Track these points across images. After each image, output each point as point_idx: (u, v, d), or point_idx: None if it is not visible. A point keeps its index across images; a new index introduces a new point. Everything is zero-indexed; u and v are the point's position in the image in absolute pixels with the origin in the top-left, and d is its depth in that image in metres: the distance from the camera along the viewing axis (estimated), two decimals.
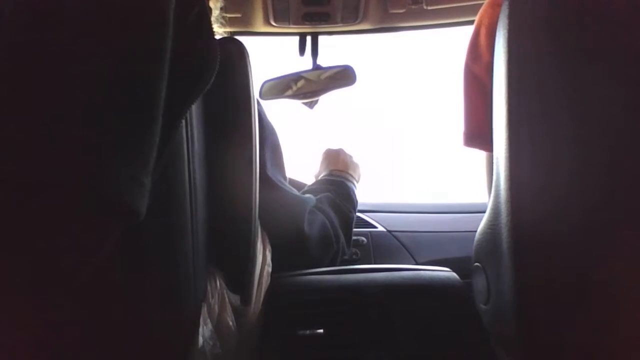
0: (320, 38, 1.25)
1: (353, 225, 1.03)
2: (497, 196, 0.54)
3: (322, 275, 1.00)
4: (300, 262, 0.91)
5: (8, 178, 0.28)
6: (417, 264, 1.24)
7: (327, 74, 1.27)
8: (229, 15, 1.15)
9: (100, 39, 0.31)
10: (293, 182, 1.19)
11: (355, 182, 1.10)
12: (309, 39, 1.24)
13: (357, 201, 1.07)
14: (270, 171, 0.87)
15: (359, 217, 1.38)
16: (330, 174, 1.09)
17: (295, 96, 1.29)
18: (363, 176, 1.16)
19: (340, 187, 1.04)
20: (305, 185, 1.15)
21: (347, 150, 1.16)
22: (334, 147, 1.16)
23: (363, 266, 1.06)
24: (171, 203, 0.51)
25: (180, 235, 0.53)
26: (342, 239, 0.99)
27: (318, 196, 1.00)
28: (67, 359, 0.41)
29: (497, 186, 0.54)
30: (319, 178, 1.10)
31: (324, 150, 1.16)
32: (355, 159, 1.15)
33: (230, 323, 0.67)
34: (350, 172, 1.10)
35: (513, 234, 0.51)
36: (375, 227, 1.34)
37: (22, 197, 0.29)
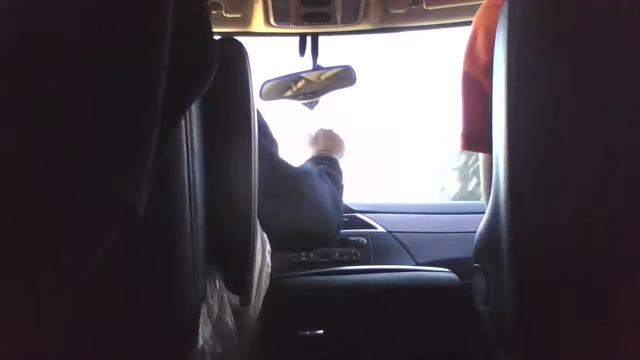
0: (321, 38, 1.25)
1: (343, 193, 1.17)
2: (496, 197, 0.54)
3: (321, 276, 1.00)
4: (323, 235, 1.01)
5: (7, 178, 0.28)
6: (417, 264, 1.24)
7: (327, 74, 1.27)
8: (229, 16, 1.15)
9: (99, 39, 0.31)
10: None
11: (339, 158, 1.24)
12: (309, 39, 1.24)
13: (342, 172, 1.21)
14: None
15: (358, 217, 1.38)
16: (319, 153, 1.21)
17: (295, 97, 1.29)
18: (347, 151, 1.27)
19: (331, 161, 1.17)
20: None
21: (335, 130, 1.26)
22: (326, 128, 1.26)
23: (363, 267, 1.06)
24: (170, 203, 0.51)
25: (180, 235, 0.53)
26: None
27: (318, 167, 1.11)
28: (66, 359, 0.41)
29: (497, 187, 0.54)
30: (311, 157, 1.21)
31: (316, 130, 1.26)
32: (342, 136, 1.26)
33: (230, 323, 0.66)
34: (336, 151, 1.22)
35: (512, 234, 0.51)
36: (375, 228, 1.34)
37: (21, 198, 0.29)
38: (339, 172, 1.16)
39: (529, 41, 0.50)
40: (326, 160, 1.16)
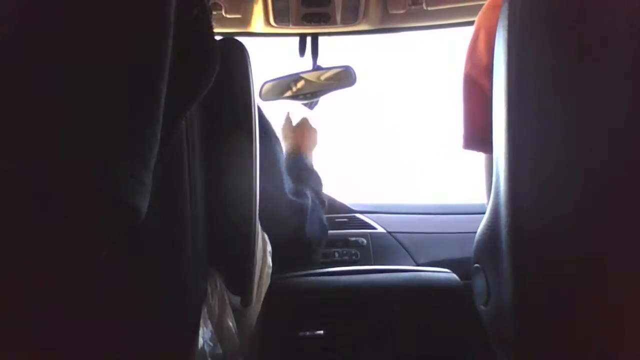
0: (320, 39, 1.25)
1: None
2: (496, 197, 0.54)
3: (322, 276, 1.00)
4: (302, 260, 1.05)
5: (8, 177, 0.28)
6: (417, 265, 1.24)
7: (327, 74, 1.27)
8: (229, 16, 1.15)
9: (101, 38, 0.31)
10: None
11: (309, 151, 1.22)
12: (309, 39, 1.25)
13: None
14: (287, 182, 0.97)
15: (358, 218, 1.38)
16: (287, 155, 1.16)
17: (295, 97, 1.29)
18: (318, 142, 1.25)
19: (306, 171, 1.15)
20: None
21: (305, 119, 1.24)
22: (298, 120, 1.23)
23: (363, 267, 1.06)
24: (171, 203, 0.51)
25: (181, 236, 0.53)
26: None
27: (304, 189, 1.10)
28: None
29: (497, 187, 0.54)
30: (290, 158, 1.17)
31: (294, 123, 1.23)
32: (313, 125, 1.24)
33: (231, 324, 0.66)
34: (306, 145, 1.20)
35: (513, 235, 0.51)
36: (375, 229, 1.34)
37: (22, 197, 0.29)
38: (318, 183, 1.16)
39: (529, 41, 0.50)
40: (302, 171, 1.14)
